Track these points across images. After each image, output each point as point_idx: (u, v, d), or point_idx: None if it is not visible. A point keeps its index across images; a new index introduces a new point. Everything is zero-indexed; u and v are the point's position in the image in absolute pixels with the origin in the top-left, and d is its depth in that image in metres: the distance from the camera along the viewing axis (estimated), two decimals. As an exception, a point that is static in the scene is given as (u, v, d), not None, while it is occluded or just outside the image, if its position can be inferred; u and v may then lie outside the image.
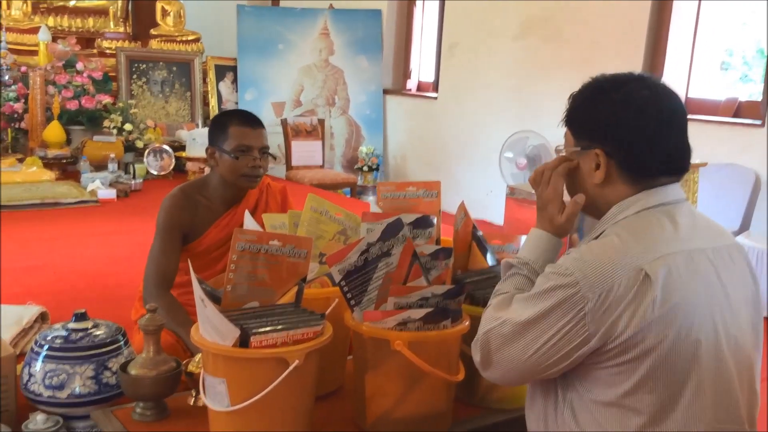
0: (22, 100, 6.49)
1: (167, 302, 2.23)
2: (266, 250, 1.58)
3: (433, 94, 7.49)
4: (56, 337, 1.85)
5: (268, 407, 1.46)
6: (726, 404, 1.31)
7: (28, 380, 1.82)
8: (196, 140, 6.55)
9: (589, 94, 1.42)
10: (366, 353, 1.61)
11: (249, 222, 1.89)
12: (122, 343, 1.90)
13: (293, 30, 7.77)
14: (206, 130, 6.86)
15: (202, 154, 6.45)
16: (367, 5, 7.91)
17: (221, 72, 7.82)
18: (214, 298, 1.56)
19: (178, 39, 7.82)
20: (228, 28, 7.85)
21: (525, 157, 5.82)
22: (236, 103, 7.66)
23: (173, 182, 6.32)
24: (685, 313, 1.26)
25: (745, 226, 4.70)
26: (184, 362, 1.76)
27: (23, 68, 6.64)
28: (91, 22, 7.79)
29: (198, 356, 1.75)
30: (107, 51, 7.50)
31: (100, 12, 7.84)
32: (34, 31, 7.07)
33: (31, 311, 2.60)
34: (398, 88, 8.00)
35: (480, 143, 6.80)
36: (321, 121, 7.28)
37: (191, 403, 1.75)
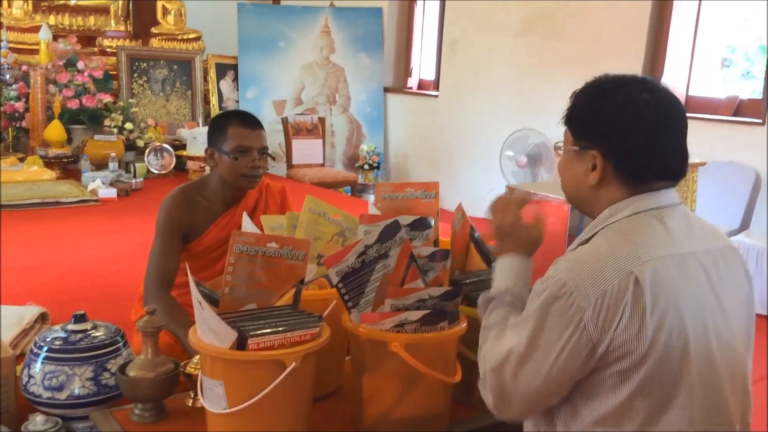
0: (23, 99, 6.50)
1: (167, 303, 2.23)
2: (264, 252, 1.58)
3: (434, 92, 7.49)
4: (56, 338, 1.86)
5: (265, 409, 1.47)
6: (716, 407, 1.32)
7: (28, 381, 1.83)
8: (197, 139, 6.56)
9: (590, 94, 1.41)
10: (363, 355, 1.62)
11: (247, 224, 1.89)
12: (121, 344, 1.91)
13: (294, 28, 7.77)
14: (207, 128, 6.90)
15: (203, 152, 6.47)
16: (368, 3, 7.91)
17: (222, 70, 7.82)
18: (212, 301, 1.57)
19: (179, 37, 7.82)
20: (229, 27, 7.85)
21: (525, 156, 5.82)
22: (237, 102, 7.66)
23: (174, 181, 6.33)
24: (674, 318, 1.26)
25: (745, 225, 4.70)
26: (183, 364, 1.77)
27: (24, 67, 6.64)
28: (92, 20, 7.79)
29: (196, 358, 1.76)
30: (108, 50, 7.50)
31: (101, 10, 7.84)
32: (35, 29, 7.07)
33: (32, 312, 2.60)
34: (399, 86, 7.99)
35: (481, 141, 6.80)
36: (322, 120, 7.28)
37: (189, 404, 1.76)
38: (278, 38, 7.72)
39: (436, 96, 7.41)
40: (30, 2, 7.38)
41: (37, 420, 1.74)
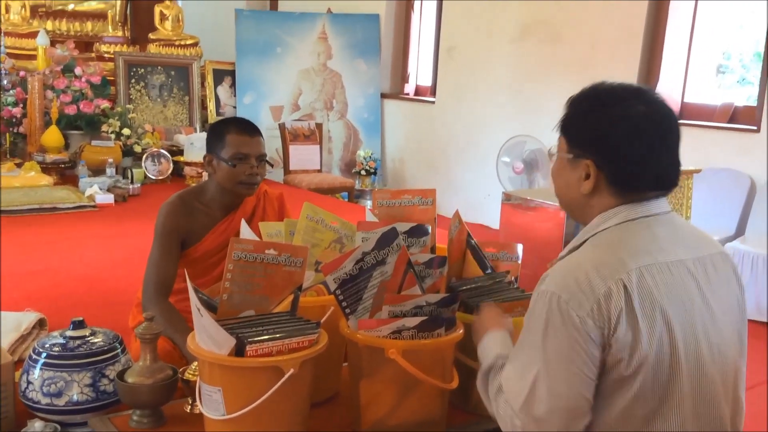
0: (21, 105, 6.50)
1: (165, 309, 2.24)
2: (262, 259, 1.59)
3: (431, 98, 7.51)
4: (54, 344, 1.86)
5: (263, 415, 1.48)
6: (708, 413, 1.33)
7: (27, 387, 1.84)
8: (194, 144, 6.56)
9: (586, 104, 1.42)
10: (361, 361, 1.63)
11: (245, 231, 1.90)
12: (119, 350, 1.91)
13: (291, 34, 7.79)
14: (204, 134, 6.89)
15: (200, 158, 6.48)
16: (365, 9, 7.93)
17: (219, 76, 7.83)
18: (211, 307, 1.58)
19: (177, 43, 7.83)
20: (226, 32, 7.87)
21: (522, 162, 5.84)
22: (234, 107, 7.67)
23: (171, 186, 6.34)
24: (662, 324, 1.27)
25: (740, 231, 4.72)
26: (181, 370, 1.78)
27: (22, 73, 6.65)
28: (89, 26, 7.81)
29: (194, 364, 1.76)
30: (106, 55, 7.50)
31: (99, 16, 7.85)
32: (33, 35, 7.08)
33: (29, 318, 2.60)
34: (396, 92, 8.01)
35: (478, 146, 6.82)
36: (319, 125, 7.29)
37: (188, 410, 1.77)
38: (275, 44, 7.73)
39: (433, 102, 7.43)
40: (28, 7, 7.39)
41: (36, 426, 1.75)
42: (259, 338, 1.48)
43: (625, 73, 5.46)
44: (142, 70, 7.48)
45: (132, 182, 6.29)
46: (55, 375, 1.81)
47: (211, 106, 7.73)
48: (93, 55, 7.51)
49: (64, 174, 6.39)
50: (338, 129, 7.87)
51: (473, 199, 6.66)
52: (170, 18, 7.88)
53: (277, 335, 1.50)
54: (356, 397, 1.66)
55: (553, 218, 3.57)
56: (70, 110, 6.61)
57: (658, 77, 5.49)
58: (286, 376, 1.45)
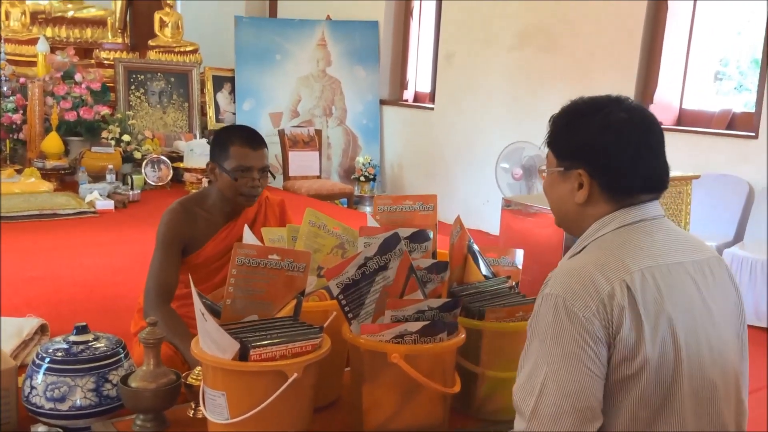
0: (21, 111, 6.52)
1: (167, 315, 2.24)
2: (265, 264, 1.60)
3: (430, 105, 7.53)
4: (57, 349, 1.87)
5: (267, 419, 1.49)
6: (709, 415, 1.34)
7: (30, 393, 1.84)
8: (194, 151, 6.58)
9: (569, 118, 1.46)
10: (363, 365, 1.64)
11: (248, 236, 1.91)
12: (122, 355, 1.92)
13: (291, 40, 7.82)
14: (204, 140, 6.91)
15: (200, 164, 6.52)
16: (364, 16, 7.96)
17: (219, 82, 7.85)
18: (214, 312, 1.59)
19: (176, 50, 7.85)
20: (226, 39, 7.90)
21: (521, 168, 5.86)
22: (234, 114, 7.69)
23: (171, 193, 6.35)
24: (666, 326, 1.28)
25: (739, 237, 4.73)
26: (184, 375, 1.79)
27: (22, 79, 6.66)
28: (89, 32, 7.83)
29: (197, 369, 1.77)
30: (105, 62, 7.53)
31: (99, 23, 7.88)
32: (33, 42, 7.10)
33: (31, 323, 2.61)
34: (395, 99, 8.04)
35: (477, 153, 6.84)
36: (318, 132, 7.31)
37: (191, 414, 1.77)
38: (275, 51, 7.76)
39: (432, 108, 7.45)
40: (28, 14, 7.41)
41: (39, 430, 1.75)
42: (262, 343, 1.48)
43: (623, 80, 5.48)
44: (142, 76, 7.50)
45: (132, 188, 6.31)
46: (58, 380, 1.82)
47: (210, 112, 7.75)
48: (93, 61, 7.53)
49: (64, 180, 6.41)
50: (337, 135, 7.89)
51: (472, 205, 6.67)
52: (170, 25, 7.91)
53: (281, 340, 1.50)
54: (358, 402, 1.67)
55: (553, 224, 3.57)
56: (70, 117, 6.63)
57: (656, 84, 5.51)
58: (290, 380, 1.46)
